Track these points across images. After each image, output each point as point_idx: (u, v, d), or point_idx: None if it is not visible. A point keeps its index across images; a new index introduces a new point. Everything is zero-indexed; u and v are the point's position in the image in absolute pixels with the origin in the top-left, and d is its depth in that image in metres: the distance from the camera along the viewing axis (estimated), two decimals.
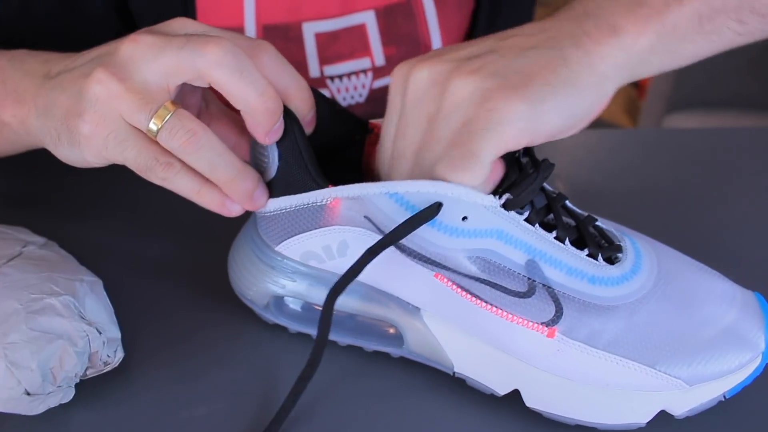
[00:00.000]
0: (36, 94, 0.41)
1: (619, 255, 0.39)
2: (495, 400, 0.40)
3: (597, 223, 0.40)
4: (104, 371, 0.40)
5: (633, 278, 0.38)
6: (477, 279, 0.38)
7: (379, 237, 0.38)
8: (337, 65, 0.61)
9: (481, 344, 0.39)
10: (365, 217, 0.38)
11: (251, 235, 0.44)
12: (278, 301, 0.44)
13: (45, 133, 0.41)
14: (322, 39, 0.60)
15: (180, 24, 0.40)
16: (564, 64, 0.35)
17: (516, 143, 0.35)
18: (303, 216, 0.40)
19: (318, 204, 0.39)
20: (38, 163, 0.60)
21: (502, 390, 0.40)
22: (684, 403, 0.38)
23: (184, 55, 0.37)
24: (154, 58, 0.37)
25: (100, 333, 0.40)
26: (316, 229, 0.40)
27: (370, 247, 0.37)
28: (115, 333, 0.41)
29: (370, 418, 0.41)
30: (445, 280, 0.38)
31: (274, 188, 0.40)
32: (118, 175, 0.59)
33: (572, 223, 0.39)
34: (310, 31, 0.59)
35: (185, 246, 0.48)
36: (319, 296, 0.42)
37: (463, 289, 0.38)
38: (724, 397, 0.38)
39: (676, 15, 0.36)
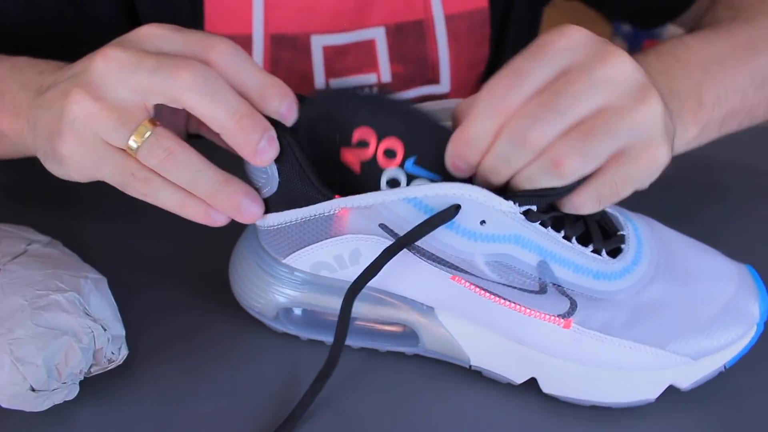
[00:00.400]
0: (29, 109, 0.42)
1: (622, 246, 0.40)
2: (512, 388, 0.41)
3: None
4: (109, 368, 0.40)
5: (634, 270, 0.39)
6: (493, 281, 0.38)
7: (391, 241, 0.38)
8: (343, 79, 0.61)
9: (499, 338, 0.40)
10: (380, 225, 0.38)
11: (254, 248, 0.43)
12: (288, 311, 0.43)
13: (36, 149, 0.42)
14: (330, 52, 0.60)
15: (149, 33, 0.39)
16: (673, 140, 0.39)
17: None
18: (311, 228, 0.40)
19: (326, 215, 0.39)
20: (42, 162, 0.60)
21: (519, 379, 0.41)
22: (690, 376, 0.40)
23: (157, 80, 0.36)
24: (127, 79, 0.37)
25: (105, 330, 0.40)
26: (325, 239, 0.40)
27: (388, 247, 0.37)
28: (120, 330, 0.41)
29: (387, 412, 0.41)
30: (463, 281, 0.39)
31: (277, 203, 0.40)
32: None
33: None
34: (318, 43, 0.59)
35: (190, 244, 0.48)
36: (332, 304, 0.42)
37: (481, 288, 0.39)
38: (725, 367, 0.40)
39: (715, 118, 0.45)
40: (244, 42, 0.59)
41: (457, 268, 0.38)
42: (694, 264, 0.41)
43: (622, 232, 0.40)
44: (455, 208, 0.36)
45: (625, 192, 0.37)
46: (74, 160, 0.39)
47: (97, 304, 0.41)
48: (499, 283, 0.38)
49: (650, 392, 0.40)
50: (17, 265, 0.41)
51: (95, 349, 0.39)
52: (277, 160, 0.38)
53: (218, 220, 0.39)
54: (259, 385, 0.42)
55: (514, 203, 0.36)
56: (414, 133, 0.38)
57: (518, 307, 0.39)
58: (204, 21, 0.58)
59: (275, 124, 0.38)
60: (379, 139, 0.38)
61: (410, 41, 0.61)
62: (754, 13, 0.50)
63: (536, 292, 0.38)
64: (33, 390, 0.38)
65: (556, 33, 0.36)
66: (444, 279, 0.39)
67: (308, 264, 0.41)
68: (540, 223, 0.37)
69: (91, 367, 0.40)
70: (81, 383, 0.40)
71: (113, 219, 0.54)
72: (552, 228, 0.38)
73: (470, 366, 0.42)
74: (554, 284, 0.38)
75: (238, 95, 0.37)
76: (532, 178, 0.35)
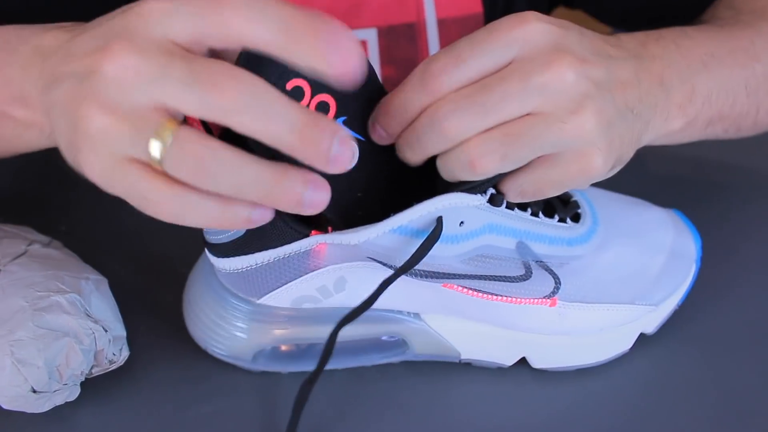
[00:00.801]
0: (41, 106, 0.36)
1: (579, 211, 0.41)
2: (503, 370, 0.43)
3: None
4: (110, 369, 0.40)
5: (597, 230, 0.41)
6: (481, 277, 0.38)
7: (380, 265, 0.37)
8: None
9: (488, 328, 0.41)
10: (368, 258, 0.37)
11: (217, 292, 0.41)
12: (269, 350, 0.42)
13: (61, 149, 0.36)
14: None
15: (152, 11, 0.31)
16: (639, 139, 0.39)
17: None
18: (286, 265, 0.37)
19: (302, 251, 0.37)
20: (42, 162, 0.60)
21: (509, 362, 0.42)
22: (654, 321, 0.43)
23: (192, 97, 0.29)
24: (148, 91, 0.30)
25: (106, 331, 0.40)
26: (306, 274, 0.38)
27: (386, 279, 0.36)
28: (121, 331, 0.41)
29: (385, 419, 0.41)
30: (455, 287, 0.39)
31: (245, 245, 0.37)
32: None
33: None
34: None
35: (190, 245, 0.48)
36: (319, 334, 0.40)
37: (471, 290, 0.39)
38: (678, 305, 0.44)
39: (702, 116, 0.43)
40: None
41: (447, 276, 0.38)
42: (633, 218, 0.44)
43: (574, 199, 0.42)
44: (440, 221, 0.36)
45: (551, 192, 0.37)
46: (96, 177, 0.33)
47: (98, 305, 0.41)
48: (486, 277, 0.38)
49: (626, 344, 0.43)
50: (18, 266, 0.41)
51: (96, 350, 0.39)
52: None
53: (265, 219, 0.32)
54: (260, 387, 0.42)
55: (480, 195, 0.36)
56: (348, 93, 0.35)
57: (506, 299, 0.39)
58: None
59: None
60: (313, 93, 0.35)
61: (402, 44, 0.60)
62: (755, 19, 0.49)
63: (522, 278, 0.39)
64: (34, 391, 0.38)
65: (513, 20, 0.35)
66: (435, 288, 0.39)
67: (288, 300, 0.40)
68: (506, 207, 0.38)
69: (92, 368, 0.40)
70: (82, 384, 0.40)
71: (114, 219, 0.54)
72: (518, 209, 0.38)
73: (460, 360, 0.42)
74: (536, 261, 0.39)
75: (290, 99, 0.30)
76: (447, 167, 0.35)
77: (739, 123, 0.47)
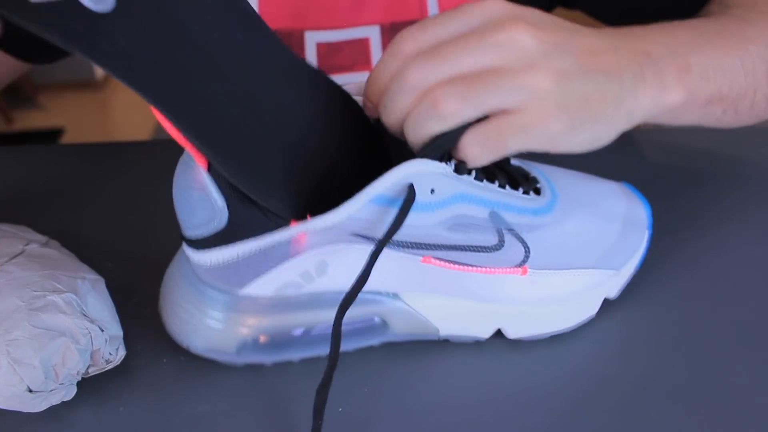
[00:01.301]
0: None
1: (539, 185, 0.44)
2: (480, 343, 0.44)
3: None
4: (106, 369, 0.40)
5: (557, 201, 0.44)
6: (458, 247, 0.40)
7: (358, 244, 0.38)
8: (336, 76, 0.61)
9: (464, 302, 0.43)
10: (352, 234, 0.38)
11: (196, 286, 0.41)
12: (247, 341, 0.42)
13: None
14: (324, 49, 0.60)
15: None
16: (616, 103, 0.38)
17: (534, 149, 0.37)
18: (268, 255, 0.38)
19: (284, 240, 0.38)
20: (40, 162, 0.60)
21: (486, 334, 0.44)
22: (616, 286, 0.46)
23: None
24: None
25: (103, 330, 0.40)
26: (287, 261, 0.39)
27: (373, 251, 0.37)
28: (117, 331, 0.41)
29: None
30: (432, 259, 0.40)
31: (225, 237, 0.38)
32: (120, 173, 0.60)
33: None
34: (312, 40, 0.59)
35: None
36: (301, 320, 0.41)
37: (448, 262, 0.40)
38: (636, 270, 0.47)
39: (701, 91, 0.42)
40: None
41: (426, 246, 0.39)
42: (587, 190, 0.46)
43: (533, 175, 0.44)
44: (411, 188, 0.37)
45: (512, 145, 0.37)
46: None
47: (94, 304, 0.41)
48: (462, 247, 0.40)
49: (592, 309, 0.45)
50: (14, 266, 0.41)
51: (92, 349, 0.39)
52: (224, 191, 0.37)
53: None
54: (256, 386, 0.42)
55: (445, 163, 0.37)
56: None
57: (480, 269, 0.41)
58: None
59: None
60: None
61: None
62: (744, 11, 0.49)
63: (495, 248, 0.41)
64: (30, 391, 0.38)
65: (476, 1, 0.37)
66: (414, 262, 0.40)
67: (271, 288, 0.40)
68: (475, 178, 0.39)
69: (88, 367, 0.40)
70: (78, 384, 0.40)
71: (111, 219, 0.54)
72: (487, 180, 0.40)
73: (439, 337, 0.44)
74: (509, 230, 0.41)
75: None
76: (418, 122, 0.36)
77: (737, 104, 0.47)
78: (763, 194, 0.57)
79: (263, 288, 0.40)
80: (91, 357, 0.40)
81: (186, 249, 0.40)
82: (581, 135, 0.38)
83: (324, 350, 0.42)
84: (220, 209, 0.37)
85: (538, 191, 0.44)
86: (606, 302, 0.46)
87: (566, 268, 0.43)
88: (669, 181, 0.58)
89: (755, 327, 0.45)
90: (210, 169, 0.36)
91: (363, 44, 0.60)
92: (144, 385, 0.42)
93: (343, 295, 0.38)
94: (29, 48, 0.60)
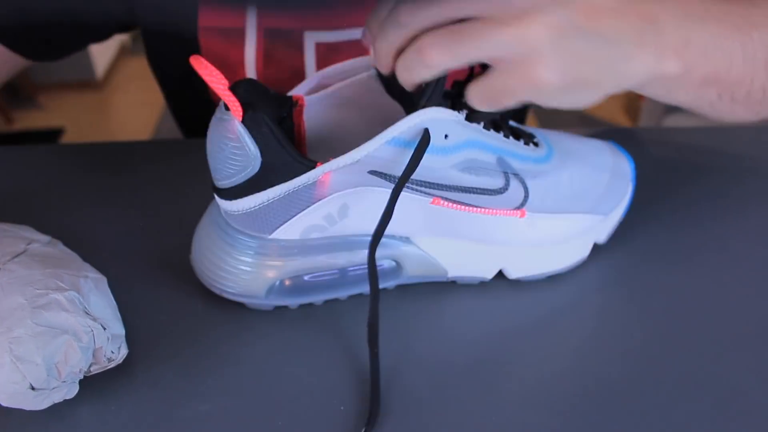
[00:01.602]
0: None
1: (536, 140, 0.48)
2: (485, 284, 0.49)
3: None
4: (108, 367, 0.40)
5: (553, 153, 0.48)
6: (466, 189, 0.43)
7: (378, 187, 0.41)
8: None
9: (469, 243, 0.47)
10: (370, 172, 0.41)
11: (227, 233, 0.44)
12: (274, 284, 0.45)
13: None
14: (323, 49, 0.60)
15: None
16: (608, 67, 0.38)
17: (526, 102, 0.39)
18: (295, 198, 0.41)
19: (310, 183, 0.41)
20: (40, 162, 0.60)
21: (489, 275, 0.49)
22: (605, 231, 0.51)
23: None
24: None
25: (105, 329, 0.40)
26: (312, 204, 0.42)
27: (395, 187, 0.40)
28: (120, 329, 0.41)
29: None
30: (441, 201, 0.43)
31: (257, 183, 0.40)
32: (120, 173, 0.60)
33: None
34: (311, 39, 0.60)
35: (189, 243, 0.48)
36: (328, 262, 0.45)
37: (455, 203, 0.44)
38: (622, 218, 0.52)
39: (698, 68, 0.42)
40: (237, 34, 0.60)
41: (439, 186, 0.43)
42: (578, 146, 0.51)
43: (529, 131, 0.48)
44: (427, 132, 0.40)
45: (507, 99, 0.38)
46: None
47: (96, 303, 0.41)
48: (471, 189, 0.43)
49: (585, 252, 0.50)
50: (17, 265, 0.41)
51: (95, 348, 0.40)
52: (257, 139, 0.39)
53: None
54: (259, 384, 0.42)
55: (458, 112, 0.41)
56: None
57: (483, 210, 0.45)
58: (197, 13, 0.58)
59: (247, 105, 0.39)
60: None
61: None
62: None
63: (501, 191, 0.44)
64: (33, 388, 0.38)
65: None
66: (424, 205, 0.43)
67: (298, 232, 0.43)
68: (483, 127, 0.43)
69: (90, 366, 0.40)
70: (81, 382, 0.40)
71: (113, 218, 0.54)
72: (493, 130, 0.44)
73: (447, 278, 0.48)
74: (514, 174, 0.45)
75: None
76: (406, 66, 0.37)
77: (734, 91, 0.46)
78: (764, 193, 0.57)
79: (290, 232, 0.43)
80: (94, 355, 0.40)
81: (218, 200, 0.43)
82: (568, 95, 0.38)
83: (342, 292, 0.47)
84: (253, 156, 0.39)
85: (536, 144, 0.47)
86: (595, 247, 0.51)
87: (561, 213, 0.47)
88: (669, 179, 0.59)
89: (754, 325, 0.45)
90: (244, 120, 0.39)
91: (361, 44, 0.60)
92: (146, 384, 0.42)
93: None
94: (31, 44, 0.61)
